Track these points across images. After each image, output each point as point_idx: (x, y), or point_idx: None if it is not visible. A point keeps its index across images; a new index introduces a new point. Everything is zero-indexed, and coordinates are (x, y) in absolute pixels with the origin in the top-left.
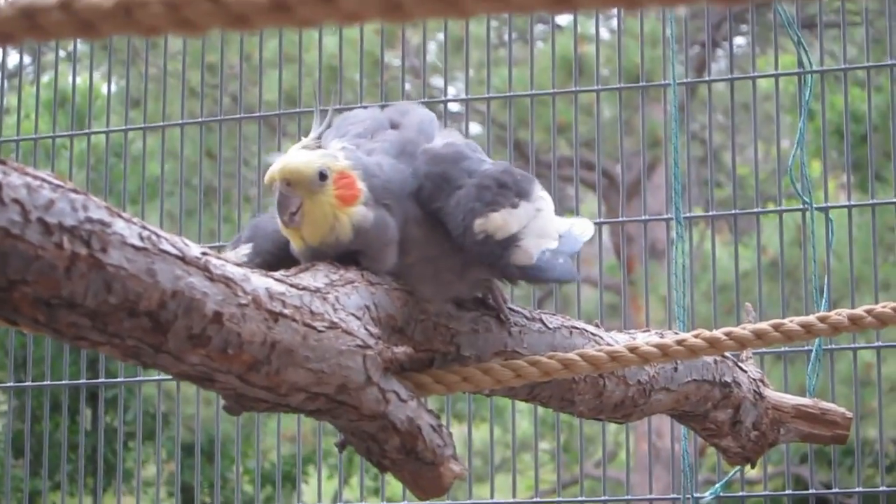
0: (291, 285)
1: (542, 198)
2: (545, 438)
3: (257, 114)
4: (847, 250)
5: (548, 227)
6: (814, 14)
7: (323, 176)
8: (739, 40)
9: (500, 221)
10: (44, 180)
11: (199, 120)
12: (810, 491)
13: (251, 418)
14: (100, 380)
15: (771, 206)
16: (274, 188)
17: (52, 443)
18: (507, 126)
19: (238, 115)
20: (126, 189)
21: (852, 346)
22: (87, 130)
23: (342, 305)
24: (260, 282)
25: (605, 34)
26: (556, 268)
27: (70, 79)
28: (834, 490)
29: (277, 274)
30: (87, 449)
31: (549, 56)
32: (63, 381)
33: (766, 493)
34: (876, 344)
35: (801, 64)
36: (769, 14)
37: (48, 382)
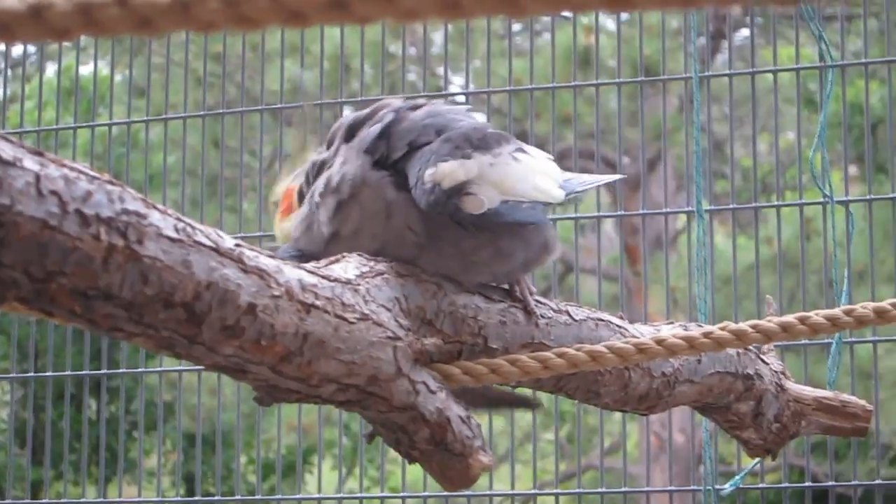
0: (323, 277)
1: (504, 153)
2: (549, 429)
3: (262, 106)
4: (860, 242)
5: (509, 179)
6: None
7: (275, 204)
8: (748, 31)
9: (448, 170)
10: (81, 172)
11: (202, 113)
12: (830, 483)
13: (254, 409)
14: (103, 370)
15: (784, 198)
16: None
17: (55, 432)
18: (522, 117)
19: (242, 109)
20: (129, 179)
21: (872, 339)
22: (92, 123)
23: (373, 297)
24: (292, 273)
25: (611, 25)
26: (518, 212)
27: (74, 69)
28: (854, 482)
29: (309, 265)
30: (91, 439)
31: (559, 47)
32: (67, 372)
33: (787, 485)
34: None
35: (822, 58)
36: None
37: (52, 373)
